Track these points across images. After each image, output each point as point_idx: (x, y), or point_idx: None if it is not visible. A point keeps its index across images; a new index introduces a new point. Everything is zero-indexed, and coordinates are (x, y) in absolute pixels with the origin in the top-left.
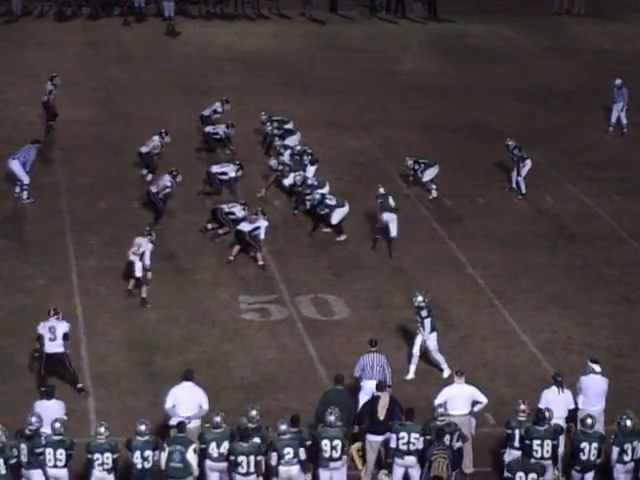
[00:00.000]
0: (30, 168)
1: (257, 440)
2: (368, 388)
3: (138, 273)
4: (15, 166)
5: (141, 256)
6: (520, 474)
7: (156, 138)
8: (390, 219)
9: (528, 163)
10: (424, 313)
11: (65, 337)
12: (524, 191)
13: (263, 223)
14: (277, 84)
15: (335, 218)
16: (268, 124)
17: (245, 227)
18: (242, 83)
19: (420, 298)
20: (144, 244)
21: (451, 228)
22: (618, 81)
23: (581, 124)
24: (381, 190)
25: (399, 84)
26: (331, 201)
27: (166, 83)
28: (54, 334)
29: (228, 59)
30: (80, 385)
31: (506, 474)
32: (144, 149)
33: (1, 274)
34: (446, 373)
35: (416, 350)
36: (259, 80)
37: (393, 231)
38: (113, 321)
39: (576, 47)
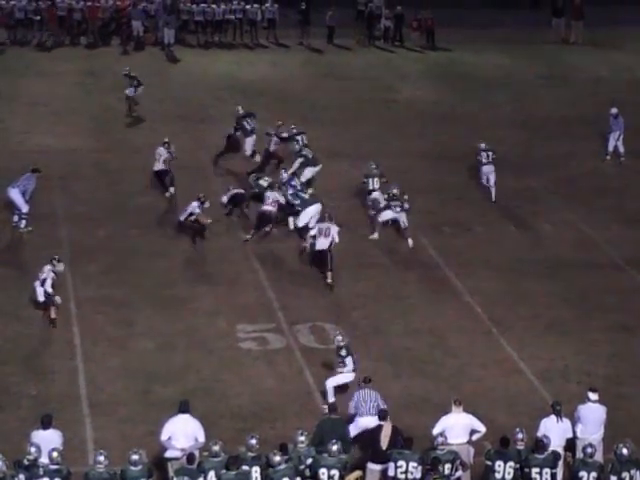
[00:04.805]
0: (29, 197)
1: (255, 468)
2: (362, 424)
3: (40, 298)
4: (14, 195)
5: (42, 282)
6: (499, 462)
7: (163, 151)
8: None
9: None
10: (344, 352)
11: None
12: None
13: (335, 228)
14: (275, 113)
15: (303, 218)
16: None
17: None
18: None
19: (340, 337)
20: (46, 271)
21: (449, 256)
22: (614, 110)
23: (578, 152)
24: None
25: (397, 112)
26: (304, 195)
27: (165, 111)
28: None
29: (226, 88)
30: None
31: (486, 462)
32: (159, 166)
33: None
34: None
35: (331, 386)
36: (257, 108)
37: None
38: (111, 349)
39: (573, 75)
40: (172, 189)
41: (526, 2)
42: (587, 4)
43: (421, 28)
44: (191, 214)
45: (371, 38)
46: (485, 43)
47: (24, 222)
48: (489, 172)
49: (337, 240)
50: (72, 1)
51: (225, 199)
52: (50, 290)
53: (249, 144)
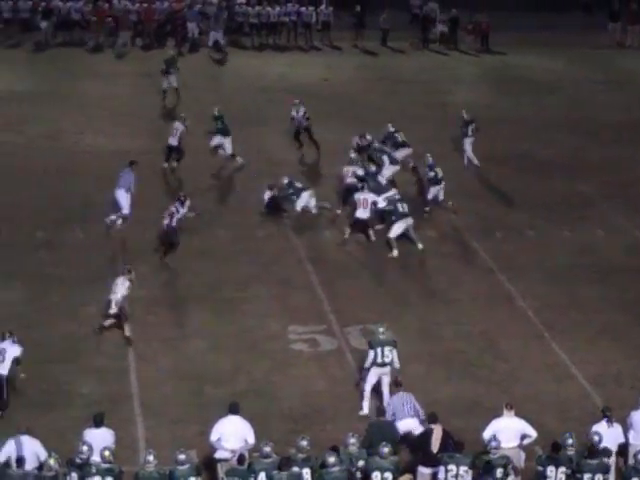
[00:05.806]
0: (133, 189)
1: (305, 469)
2: (402, 427)
3: (112, 310)
4: (120, 195)
5: (123, 298)
6: (551, 468)
7: (180, 125)
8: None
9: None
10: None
11: (16, 361)
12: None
13: (372, 197)
14: (330, 115)
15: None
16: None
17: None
18: None
19: (380, 330)
20: (120, 283)
21: (501, 260)
22: None
23: (632, 157)
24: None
25: (450, 115)
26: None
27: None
28: (3, 356)
29: (280, 90)
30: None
31: (537, 467)
32: (174, 141)
33: (53, 302)
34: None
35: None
36: (311, 111)
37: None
38: (163, 350)
39: (628, 80)
40: (175, 163)
41: (581, 6)
42: None
43: (476, 31)
44: (172, 214)
45: (426, 42)
46: (539, 47)
47: (120, 221)
48: (470, 143)
49: (381, 205)
50: (128, 2)
51: (266, 197)
52: (119, 300)
53: (216, 141)
